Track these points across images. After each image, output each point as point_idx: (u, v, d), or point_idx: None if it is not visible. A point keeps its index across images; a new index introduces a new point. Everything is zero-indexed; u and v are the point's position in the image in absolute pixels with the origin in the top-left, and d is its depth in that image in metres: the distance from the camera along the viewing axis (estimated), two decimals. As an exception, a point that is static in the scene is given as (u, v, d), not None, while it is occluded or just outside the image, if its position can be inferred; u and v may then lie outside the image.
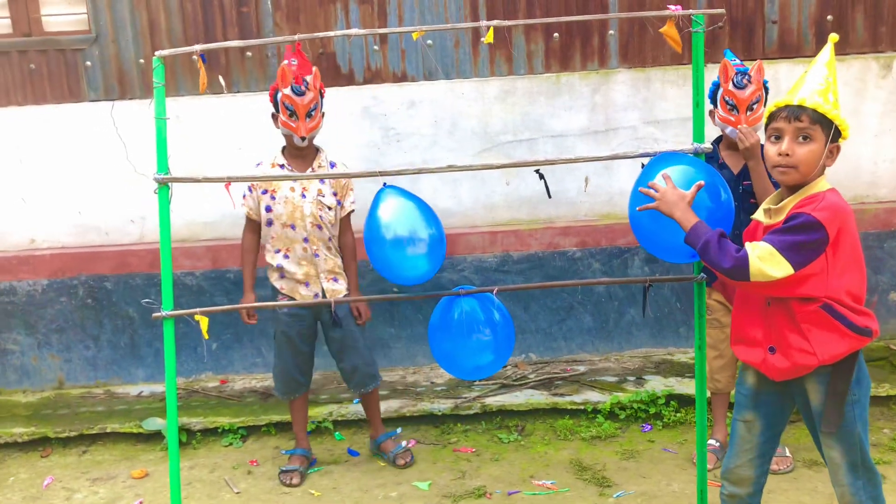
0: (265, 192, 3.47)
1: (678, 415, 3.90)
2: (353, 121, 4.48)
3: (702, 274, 2.66)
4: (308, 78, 3.32)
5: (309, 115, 3.32)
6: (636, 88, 4.46)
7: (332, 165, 3.53)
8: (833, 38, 2.31)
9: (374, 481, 3.53)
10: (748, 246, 2.16)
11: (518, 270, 4.49)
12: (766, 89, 3.29)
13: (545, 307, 4.53)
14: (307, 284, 3.49)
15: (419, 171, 2.66)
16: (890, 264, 4.50)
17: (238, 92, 4.47)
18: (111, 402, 4.38)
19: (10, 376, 4.60)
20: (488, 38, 2.53)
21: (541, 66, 4.46)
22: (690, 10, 2.52)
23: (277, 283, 3.53)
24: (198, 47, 2.60)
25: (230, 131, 4.49)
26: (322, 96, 3.42)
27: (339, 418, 4.02)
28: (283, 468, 3.61)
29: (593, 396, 4.04)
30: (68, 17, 4.46)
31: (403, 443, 3.73)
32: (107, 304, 4.54)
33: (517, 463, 3.62)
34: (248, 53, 4.43)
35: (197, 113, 4.48)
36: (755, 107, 3.19)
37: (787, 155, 2.19)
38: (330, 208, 3.48)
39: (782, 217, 2.21)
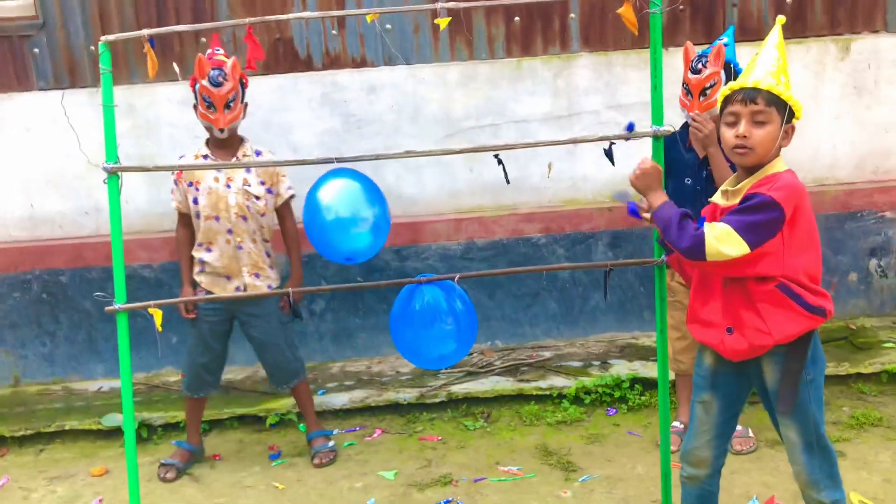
0: (191, 184, 3.40)
1: (643, 398, 3.92)
2: (312, 107, 4.40)
3: (663, 257, 2.66)
4: (226, 69, 3.28)
5: (227, 106, 3.27)
6: (598, 73, 4.44)
7: (258, 154, 3.46)
8: (780, 19, 2.32)
9: (339, 472, 3.50)
10: (706, 226, 2.17)
11: (483, 257, 4.47)
12: (737, 72, 3.16)
13: (510, 294, 4.52)
14: (228, 278, 3.44)
15: (376, 158, 2.62)
16: (849, 245, 4.56)
17: (194, 79, 4.36)
18: (69, 399, 4.28)
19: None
20: (441, 22, 2.48)
21: (502, 50, 4.42)
22: (648, -8, 2.49)
23: (198, 278, 3.47)
24: (146, 32, 2.53)
25: (186, 119, 4.38)
26: (244, 87, 3.39)
27: (304, 410, 3.98)
28: (163, 461, 3.58)
29: (559, 382, 4.04)
30: (14, 3, 4.32)
31: (330, 443, 3.65)
32: (62, 299, 4.43)
33: (483, 450, 3.61)
34: (203, 39, 4.33)
35: (151, 101, 4.37)
36: (709, 91, 3.15)
37: (745, 137, 2.20)
38: (258, 198, 3.41)
39: (739, 198, 2.23)
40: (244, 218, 3.39)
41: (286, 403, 4.00)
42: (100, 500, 3.40)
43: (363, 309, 4.51)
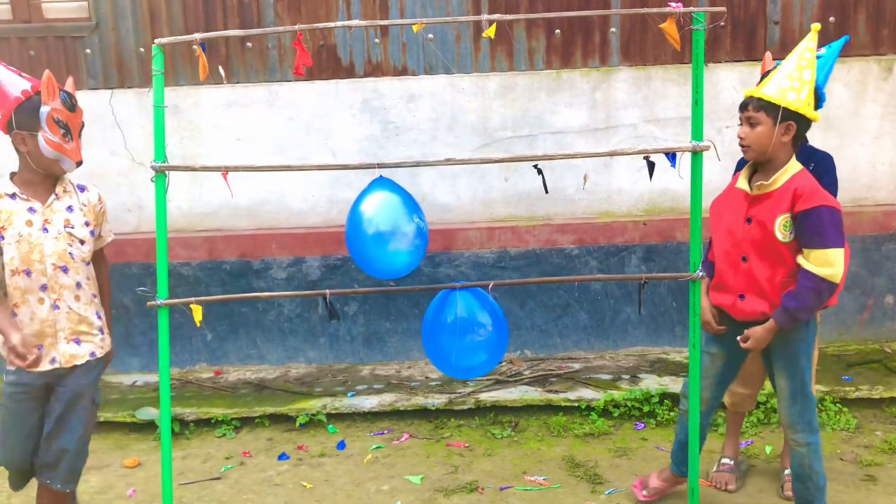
0: None
1: (672, 413, 3.90)
2: (352, 114, 4.47)
3: (698, 272, 2.66)
4: (70, 90, 2.71)
5: (80, 134, 2.70)
6: (637, 86, 4.45)
7: (81, 189, 2.78)
8: (815, 27, 2.69)
9: (367, 474, 3.53)
10: (803, 265, 2.64)
11: (515, 267, 4.49)
12: (818, 89, 2.89)
13: (541, 304, 4.53)
14: (40, 347, 2.69)
15: (416, 164, 2.66)
16: (887, 267, 4.50)
17: (237, 83, 4.46)
18: (105, 392, 4.33)
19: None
20: (489, 32, 2.52)
21: (542, 62, 4.46)
22: (691, 8, 2.51)
23: (3, 350, 2.66)
24: (197, 36, 2.59)
25: (229, 122, 4.48)
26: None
27: (333, 411, 4.02)
28: None
29: (587, 394, 4.04)
30: (68, 5, 4.46)
31: None
32: (102, 293, 4.53)
33: (510, 458, 3.62)
34: (249, 44, 4.42)
35: (196, 103, 4.47)
36: None
37: (741, 138, 2.72)
38: (83, 242, 2.73)
39: (772, 187, 2.69)
40: (64, 269, 2.69)
41: (316, 404, 4.05)
42: (132, 491, 3.47)
43: (395, 313, 4.56)
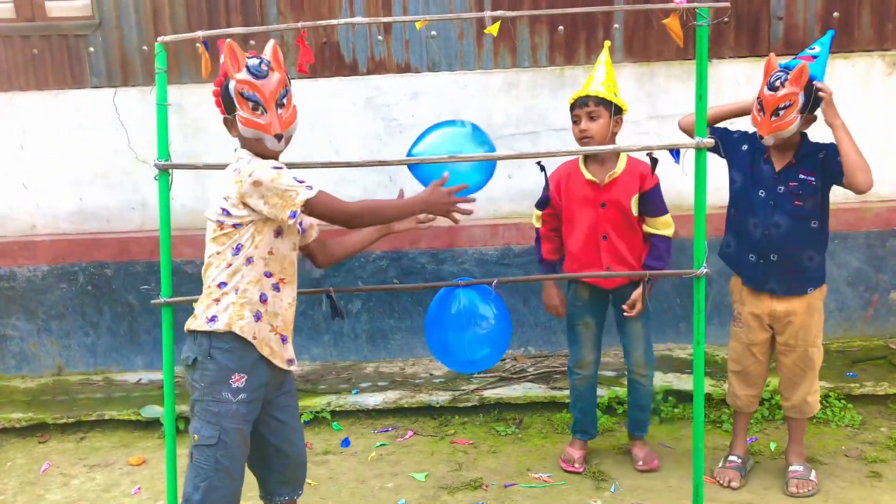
0: None
1: (676, 410, 3.90)
2: (355, 111, 4.47)
3: (703, 268, 2.65)
4: (265, 56, 2.36)
5: (280, 104, 2.35)
6: (640, 83, 4.44)
7: None
8: (607, 44, 3.24)
9: (371, 472, 3.54)
10: (655, 232, 3.20)
11: (519, 264, 4.49)
12: (816, 92, 2.87)
13: (545, 301, 4.53)
14: (283, 340, 2.42)
15: (420, 161, 2.66)
16: (891, 263, 4.49)
17: (241, 80, 4.46)
18: (110, 390, 4.38)
19: (9, 362, 4.61)
20: (492, 29, 2.52)
21: (545, 58, 4.45)
22: (695, 4, 2.51)
23: (245, 327, 2.34)
24: (200, 34, 2.60)
25: (232, 120, 4.48)
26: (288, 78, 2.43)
27: (338, 409, 4.02)
28: None
29: (592, 391, 4.03)
30: (71, 3, 4.46)
31: None
32: (107, 291, 4.55)
33: (514, 455, 3.62)
34: (252, 42, 4.42)
35: (199, 101, 4.47)
36: (782, 112, 2.88)
37: (585, 130, 3.12)
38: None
39: (618, 174, 3.18)
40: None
41: (320, 402, 4.05)
42: (137, 489, 3.48)
43: (399, 311, 4.56)
